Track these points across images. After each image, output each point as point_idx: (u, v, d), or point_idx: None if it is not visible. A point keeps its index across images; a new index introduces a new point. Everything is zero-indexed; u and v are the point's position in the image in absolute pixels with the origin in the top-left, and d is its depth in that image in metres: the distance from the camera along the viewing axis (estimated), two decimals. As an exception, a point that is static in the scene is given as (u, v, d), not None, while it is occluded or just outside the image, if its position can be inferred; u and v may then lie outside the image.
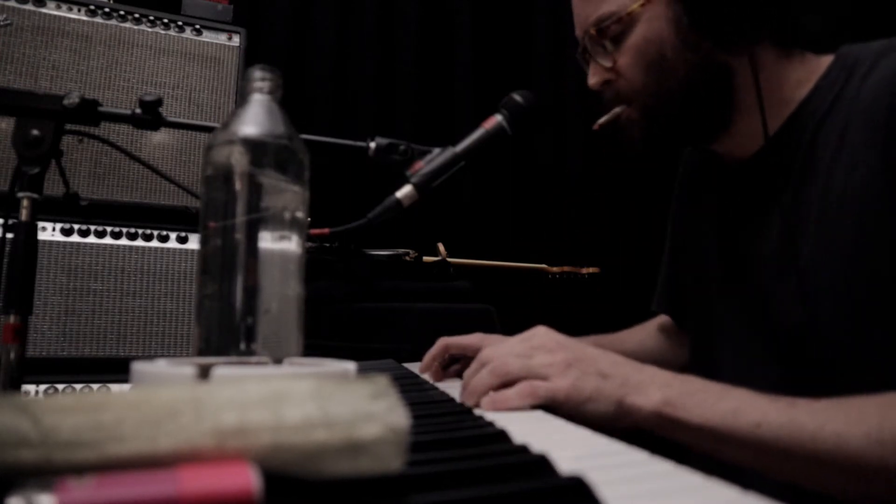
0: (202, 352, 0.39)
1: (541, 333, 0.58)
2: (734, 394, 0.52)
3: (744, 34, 0.63)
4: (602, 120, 0.73)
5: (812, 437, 0.48)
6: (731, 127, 0.70)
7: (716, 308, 0.78)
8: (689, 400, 0.51)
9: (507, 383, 0.54)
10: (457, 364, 0.84)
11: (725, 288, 0.76)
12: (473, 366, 0.58)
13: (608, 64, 0.70)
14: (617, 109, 0.72)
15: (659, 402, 0.52)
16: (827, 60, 0.68)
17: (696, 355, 0.85)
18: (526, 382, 0.53)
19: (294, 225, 0.42)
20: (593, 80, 0.73)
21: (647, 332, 1.01)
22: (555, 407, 0.53)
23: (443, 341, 0.82)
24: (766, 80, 0.66)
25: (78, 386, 0.91)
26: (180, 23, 1.10)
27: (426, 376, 0.82)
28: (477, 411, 0.52)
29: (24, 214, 0.61)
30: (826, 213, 0.62)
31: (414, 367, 1.05)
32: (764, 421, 0.49)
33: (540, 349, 0.56)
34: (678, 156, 0.93)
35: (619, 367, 0.55)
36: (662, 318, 1.00)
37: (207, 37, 1.12)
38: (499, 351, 0.57)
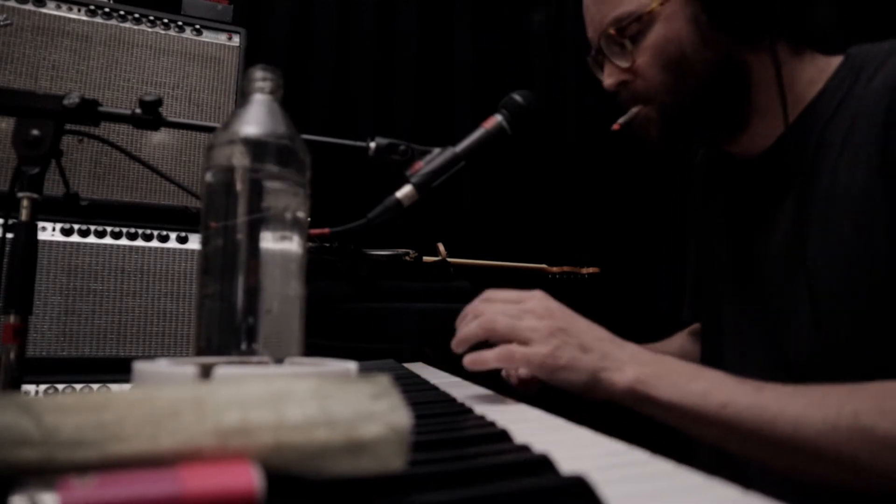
0: (203, 351, 0.39)
1: (536, 297, 0.61)
2: (706, 375, 0.55)
3: (764, 29, 0.63)
4: (621, 120, 0.73)
5: (773, 419, 0.50)
6: (748, 126, 0.70)
7: (724, 308, 0.78)
8: (661, 380, 0.54)
9: (491, 339, 0.59)
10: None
11: (735, 288, 0.76)
12: (468, 315, 0.63)
13: (625, 64, 0.70)
14: (634, 109, 0.72)
15: (632, 379, 0.55)
16: (836, 61, 0.67)
17: (704, 357, 0.85)
18: (504, 347, 0.58)
19: (295, 225, 0.42)
20: (609, 80, 0.73)
21: (682, 340, 1.01)
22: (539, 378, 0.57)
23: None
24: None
25: (78, 386, 0.90)
26: (180, 23, 1.10)
27: (437, 380, 0.82)
28: (478, 411, 0.52)
29: (24, 214, 0.61)
30: (830, 212, 0.62)
31: (414, 367, 1.05)
32: (730, 402, 0.52)
33: (530, 313, 0.59)
34: (685, 156, 0.93)
35: (601, 343, 0.58)
36: (692, 326, 1.00)
37: (207, 37, 1.12)
38: (491, 307, 0.61)
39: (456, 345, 0.61)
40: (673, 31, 0.66)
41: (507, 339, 0.58)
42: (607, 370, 0.55)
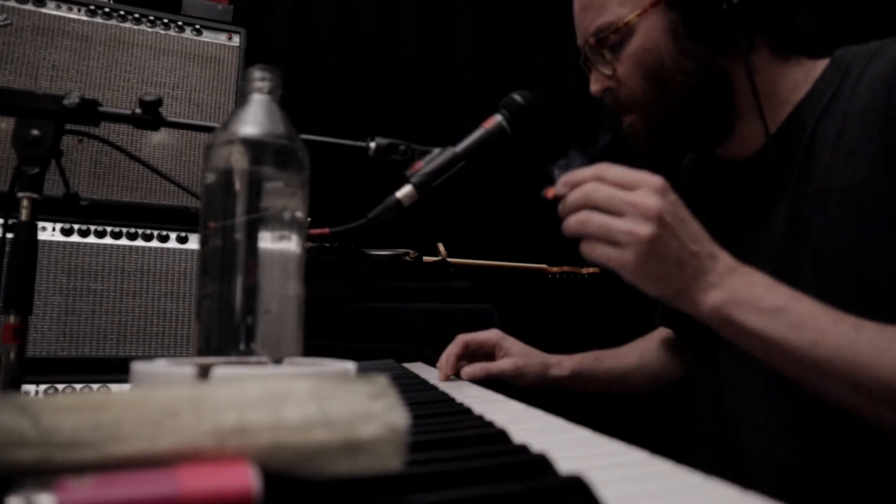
0: (202, 352, 0.39)
1: (648, 188, 0.54)
2: (800, 307, 0.52)
3: (739, 41, 0.64)
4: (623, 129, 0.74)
5: (870, 364, 0.48)
6: (733, 130, 0.71)
7: None
8: (752, 306, 0.52)
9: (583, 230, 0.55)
10: (463, 361, 0.85)
11: None
12: (573, 188, 0.57)
13: (608, 72, 0.71)
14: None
15: (720, 302, 0.53)
16: (823, 63, 0.69)
17: (699, 362, 0.85)
18: (598, 245, 0.54)
19: (294, 225, 0.42)
20: (595, 87, 0.74)
21: (646, 346, 1.00)
22: None
23: (461, 338, 0.84)
24: (763, 83, 0.67)
25: (78, 386, 0.91)
26: (180, 23, 1.10)
27: (437, 380, 0.82)
28: (477, 411, 0.52)
29: (24, 214, 0.61)
30: (829, 207, 0.62)
31: (414, 367, 1.05)
32: (821, 340, 0.49)
33: (634, 208, 0.53)
34: (680, 159, 0.93)
35: (697, 258, 0.54)
36: (665, 332, 1.00)
37: (207, 37, 1.12)
38: (596, 191, 0.55)
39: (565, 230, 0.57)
40: (651, 41, 0.67)
41: (597, 238, 0.54)
42: (696, 289, 0.53)
